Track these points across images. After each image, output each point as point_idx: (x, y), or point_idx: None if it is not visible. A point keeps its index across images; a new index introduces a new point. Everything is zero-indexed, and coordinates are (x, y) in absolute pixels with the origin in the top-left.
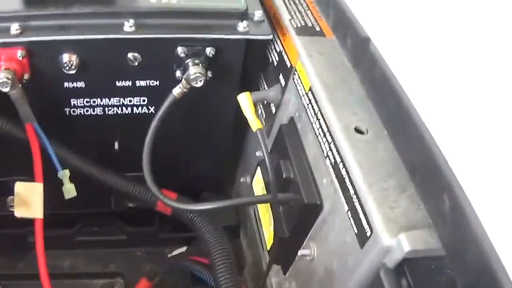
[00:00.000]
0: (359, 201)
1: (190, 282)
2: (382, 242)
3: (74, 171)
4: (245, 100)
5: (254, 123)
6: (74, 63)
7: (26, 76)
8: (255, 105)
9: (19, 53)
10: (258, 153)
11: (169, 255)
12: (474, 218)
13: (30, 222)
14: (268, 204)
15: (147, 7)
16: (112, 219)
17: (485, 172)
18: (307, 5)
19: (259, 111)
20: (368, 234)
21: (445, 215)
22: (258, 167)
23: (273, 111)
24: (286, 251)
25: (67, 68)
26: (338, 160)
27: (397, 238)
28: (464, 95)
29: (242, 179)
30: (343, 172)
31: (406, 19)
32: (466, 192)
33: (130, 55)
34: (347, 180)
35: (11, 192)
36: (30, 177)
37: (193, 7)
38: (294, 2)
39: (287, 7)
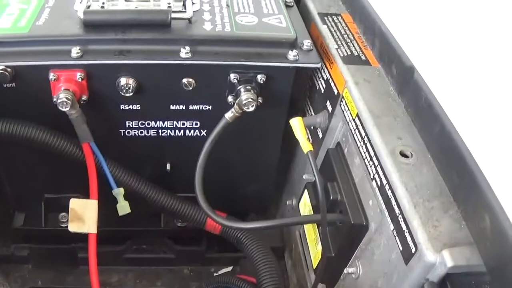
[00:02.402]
0: (405, 220)
1: None
2: (427, 258)
3: (127, 190)
4: (297, 124)
5: (306, 146)
6: (131, 86)
7: (84, 97)
8: None
9: (78, 75)
10: (305, 176)
11: (215, 274)
12: None
13: (80, 238)
14: (315, 225)
15: (202, 35)
16: (161, 237)
17: None
18: (352, 35)
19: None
20: (413, 251)
21: (486, 234)
22: (305, 190)
23: (320, 136)
24: (332, 269)
25: (124, 91)
26: (384, 182)
27: (440, 254)
28: (504, 119)
29: (288, 202)
30: (389, 193)
31: (448, 49)
32: (506, 212)
33: (185, 80)
34: (393, 201)
35: (63, 209)
36: (81, 195)
37: (245, 35)
38: (340, 32)
39: (333, 37)
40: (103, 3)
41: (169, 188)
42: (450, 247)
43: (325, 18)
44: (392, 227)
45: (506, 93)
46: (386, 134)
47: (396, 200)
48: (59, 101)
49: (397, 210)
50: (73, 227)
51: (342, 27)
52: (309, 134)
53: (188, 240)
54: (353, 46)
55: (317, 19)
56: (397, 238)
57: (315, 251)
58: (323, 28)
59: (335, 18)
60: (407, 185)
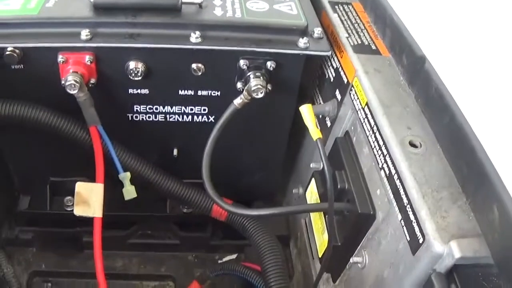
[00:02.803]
0: (413, 210)
1: None
2: (434, 249)
3: (134, 174)
4: (306, 111)
5: (315, 133)
6: (140, 70)
7: (92, 81)
8: None
9: (87, 58)
10: (312, 165)
11: (220, 261)
12: None
13: (85, 222)
14: (321, 213)
15: (213, 20)
16: (167, 223)
17: None
18: (363, 24)
19: None
20: (421, 241)
21: (494, 225)
22: (313, 178)
23: (329, 124)
24: (338, 259)
25: (133, 75)
26: (393, 171)
27: (448, 245)
28: None
29: (294, 190)
30: (398, 183)
31: (460, 39)
32: None
33: (194, 65)
34: (401, 190)
35: (69, 193)
36: (87, 179)
37: (256, 22)
38: (351, 21)
39: (344, 26)
40: None
41: (176, 174)
42: (458, 238)
43: (336, 6)
44: (400, 217)
45: None
46: (396, 124)
47: (404, 190)
48: (67, 83)
49: (405, 200)
50: (78, 211)
51: (353, 16)
52: (317, 123)
53: (193, 227)
54: (364, 35)
55: (328, 7)
56: (404, 228)
57: (321, 240)
58: (334, 17)
59: (345, 7)
60: (416, 175)
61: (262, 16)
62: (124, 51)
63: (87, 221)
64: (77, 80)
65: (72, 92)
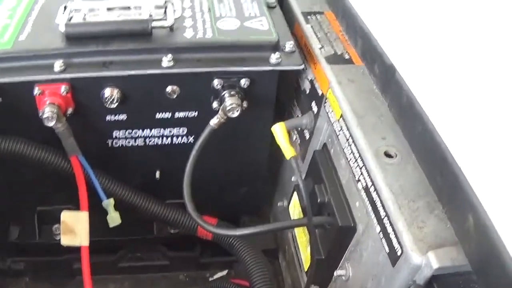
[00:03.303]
0: (390, 222)
1: None
2: (412, 260)
3: (118, 200)
4: (279, 130)
5: (288, 152)
6: (116, 97)
7: (69, 110)
8: (289, 131)
9: (63, 88)
10: (293, 178)
11: (211, 279)
12: (497, 235)
13: (75, 249)
14: (305, 227)
15: (183, 42)
16: (155, 244)
17: (506, 193)
18: (336, 34)
19: (294, 137)
20: (399, 253)
21: (470, 234)
22: (295, 192)
23: (307, 137)
24: (323, 272)
25: (108, 102)
26: (369, 183)
27: (426, 256)
28: (485, 120)
29: (279, 203)
30: (374, 195)
31: (428, 47)
32: (488, 212)
33: (169, 88)
34: (378, 202)
35: (56, 221)
36: (74, 206)
37: (227, 41)
38: (324, 31)
39: (317, 36)
40: (85, 15)
41: (160, 195)
42: (436, 248)
43: (309, 17)
44: (378, 229)
45: (486, 93)
46: (370, 134)
47: (381, 202)
48: (44, 116)
49: (382, 212)
50: (65, 240)
51: (326, 25)
52: (297, 135)
53: (182, 246)
54: (337, 45)
55: (301, 18)
56: (383, 240)
57: (306, 253)
58: (307, 28)
59: (318, 17)
60: (392, 186)
61: (233, 34)
62: (98, 80)
63: (77, 248)
64: (54, 111)
65: (50, 124)
